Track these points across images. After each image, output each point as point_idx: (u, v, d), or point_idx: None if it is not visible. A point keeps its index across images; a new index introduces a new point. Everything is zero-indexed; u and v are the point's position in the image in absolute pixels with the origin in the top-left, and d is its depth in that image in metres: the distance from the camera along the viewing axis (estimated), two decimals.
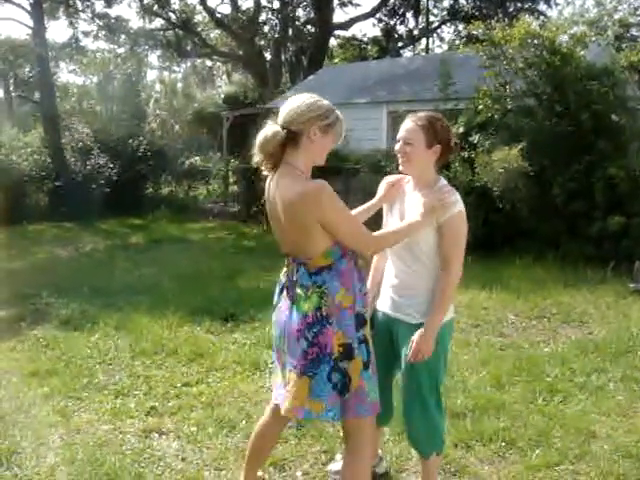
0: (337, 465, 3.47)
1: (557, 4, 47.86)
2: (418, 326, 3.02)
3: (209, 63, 38.06)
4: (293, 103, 2.83)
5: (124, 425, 4.25)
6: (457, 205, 3.02)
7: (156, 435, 4.12)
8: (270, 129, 2.76)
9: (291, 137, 2.76)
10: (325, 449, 3.91)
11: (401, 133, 3.13)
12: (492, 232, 10.14)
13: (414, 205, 3.08)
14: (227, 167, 18.36)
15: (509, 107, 10.46)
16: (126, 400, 4.65)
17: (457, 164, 10.20)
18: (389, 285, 3.23)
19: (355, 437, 2.91)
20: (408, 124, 3.12)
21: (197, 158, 20.10)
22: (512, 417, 4.30)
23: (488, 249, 9.97)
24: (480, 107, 10.50)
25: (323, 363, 2.76)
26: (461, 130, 10.53)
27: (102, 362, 5.45)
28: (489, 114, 10.42)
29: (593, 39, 13.42)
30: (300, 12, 29.19)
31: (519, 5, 27.58)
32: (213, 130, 20.91)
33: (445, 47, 31.14)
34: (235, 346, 5.86)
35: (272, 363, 3.15)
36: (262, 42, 29.07)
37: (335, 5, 28.08)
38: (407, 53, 31.16)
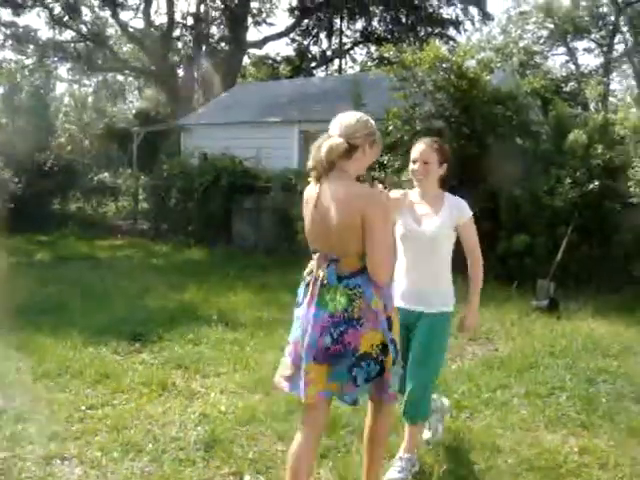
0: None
1: (466, 30, 49.28)
2: (439, 314, 3.76)
3: (121, 77, 37.53)
4: (350, 119, 3.15)
5: (24, 452, 4.06)
6: (468, 209, 3.87)
7: (58, 461, 3.97)
8: (335, 140, 3.06)
9: (348, 149, 3.08)
10: (234, 471, 3.86)
11: (418, 155, 3.83)
12: None
13: (425, 212, 3.83)
14: (137, 184, 18.08)
15: (418, 128, 10.66)
16: (26, 425, 4.45)
17: (367, 184, 10.30)
18: (409, 283, 3.82)
19: (385, 423, 3.40)
20: (423, 147, 3.83)
21: (106, 174, 19.67)
22: None
23: None
24: (390, 128, 10.66)
25: (345, 358, 3.03)
26: None
27: (1, 385, 5.23)
28: (399, 135, 10.58)
29: (499, 65, 13.92)
30: (214, 29, 29.15)
31: (429, 29, 28.29)
32: (123, 146, 20.55)
33: (357, 68, 31.59)
34: (142, 367, 5.74)
35: (285, 356, 3.31)
36: (175, 58, 28.85)
37: (249, 24, 28.19)
38: (320, 73, 31.47)
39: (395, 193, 3.55)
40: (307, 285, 3.20)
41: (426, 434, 4.21)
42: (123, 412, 4.70)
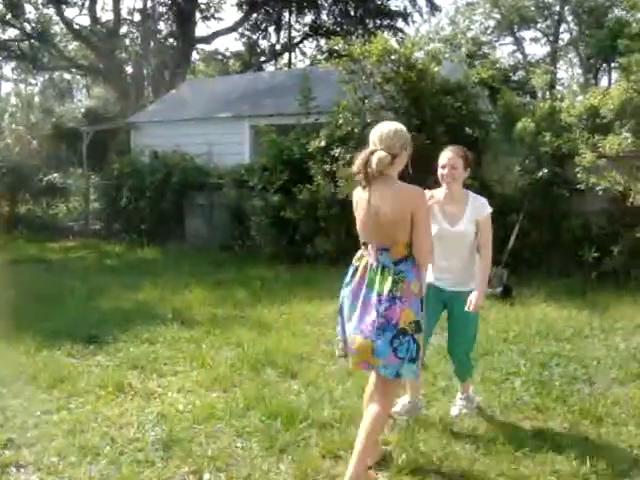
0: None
1: (414, 22, 50.05)
2: (470, 292, 4.37)
3: (68, 76, 36.90)
4: (390, 131, 3.68)
5: None
6: (488, 207, 4.45)
7: (13, 469, 3.88)
8: (381, 154, 3.57)
9: (391, 159, 3.59)
10: (193, 470, 3.83)
11: (446, 161, 4.42)
12: (354, 243, 10.33)
13: (453, 211, 4.43)
14: (87, 183, 17.83)
15: (368, 121, 10.69)
16: None
17: (319, 177, 10.34)
18: (446, 269, 4.44)
19: (391, 390, 3.77)
20: (451, 155, 4.43)
21: (56, 175, 19.33)
22: None
23: (351, 260, 10.14)
24: (340, 121, 10.68)
25: (387, 331, 3.55)
26: (322, 144, 10.66)
27: None
28: (349, 127, 10.60)
29: (447, 56, 14.03)
30: (162, 25, 28.84)
31: (378, 22, 28.37)
32: (73, 145, 20.22)
33: (307, 62, 31.58)
34: (98, 369, 5.67)
35: (338, 327, 3.90)
36: (123, 55, 28.49)
37: (197, 19, 27.95)
38: (270, 68, 31.38)
39: (427, 193, 4.11)
40: (356, 270, 3.78)
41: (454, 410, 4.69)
42: (79, 416, 4.63)
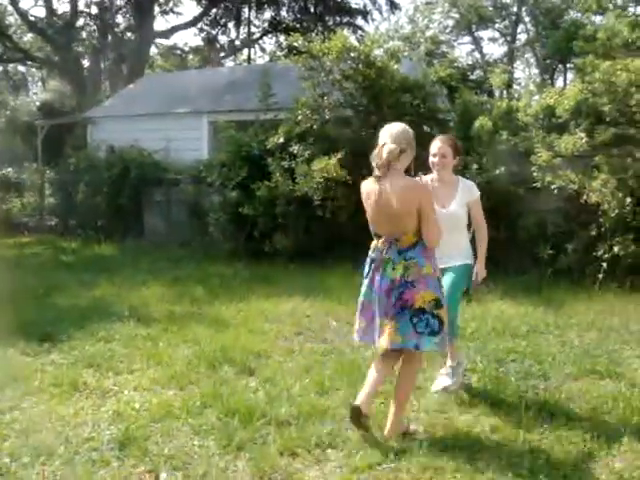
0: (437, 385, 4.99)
1: (374, 20, 50.15)
2: (461, 265, 4.87)
3: (23, 69, 36.28)
4: (398, 129, 4.21)
5: None
6: (476, 190, 4.96)
7: None
8: (391, 146, 4.07)
9: (399, 153, 4.08)
10: (150, 469, 3.78)
11: (436, 150, 4.85)
12: (313, 240, 10.36)
13: (444, 194, 4.83)
14: (43, 178, 17.54)
15: (327, 117, 10.71)
16: None
17: (278, 174, 10.31)
18: (440, 247, 4.37)
19: (414, 360, 4.26)
20: (440, 144, 4.86)
21: (10, 169, 19.01)
22: (336, 421, 4.38)
23: (309, 257, 10.20)
24: (299, 117, 10.67)
25: (405, 312, 4.05)
26: (281, 140, 10.64)
27: None
28: (308, 124, 10.60)
29: (406, 54, 14.11)
30: (120, 19, 28.49)
31: (338, 19, 28.37)
32: (27, 140, 19.92)
33: (266, 58, 31.48)
34: (52, 367, 5.58)
35: (357, 313, 4.37)
36: (80, 48, 28.07)
37: (156, 13, 27.68)
38: (229, 63, 31.20)
39: (425, 178, 4.79)
40: (372, 261, 4.24)
41: (446, 381, 4.92)
42: (33, 415, 4.56)
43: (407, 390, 4.28)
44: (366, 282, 4.28)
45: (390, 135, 4.18)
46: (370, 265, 4.27)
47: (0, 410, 4.65)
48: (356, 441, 4.09)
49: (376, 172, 4.14)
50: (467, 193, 4.91)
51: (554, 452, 3.94)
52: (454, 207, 4.83)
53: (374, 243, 4.28)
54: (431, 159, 4.87)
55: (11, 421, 4.46)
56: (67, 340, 6.33)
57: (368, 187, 4.24)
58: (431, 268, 4.14)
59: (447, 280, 4.71)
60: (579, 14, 25.90)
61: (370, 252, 4.30)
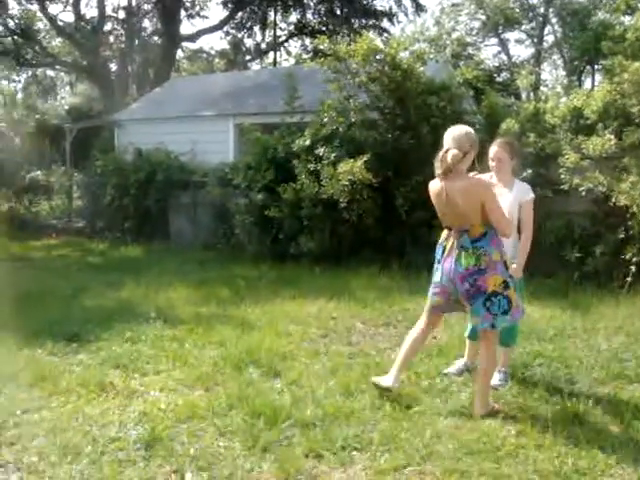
0: (454, 368, 5.46)
1: (399, 22, 49.93)
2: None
3: (51, 73, 36.69)
4: (460, 132, 4.55)
5: None
6: (531, 192, 5.27)
7: None
8: (454, 152, 4.42)
9: (462, 156, 4.45)
10: (175, 469, 3.80)
11: (493, 155, 5.20)
12: (339, 243, 10.38)
13: (501, 193, 5.00)
14: (71, 181, 17.72)
15: (353, 120, 10.71)
16: None
17: (303, 177, 10.32)
18: None
19: (491, 338, 4.65)
20: (496, 148, 5.20)
21: (39, 172, 19.22)
22: (362, 424, 4.37)
23: (335, 260, 10.20)
24: (325, 120, 10.68)
25: (479, 296, 4.48)
26: (307, 143, 10.66)
27: None
28: (334, 127, 10.61)
29: (432, 56, 14.04)
30: (147, 23, 28.74)
31: (364, 21, 28.37)
32: (56, 143, 20.11)
33: (292, 61, 31.55)
34: (80, 368, 5.63)
35: (432, 294, 4.85)
36: (107, 53, 28.32)
37: (182, 17, 27.86)
38: (255, 66, 31.30)
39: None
40: (444, 249, 4.65)
41: (496, 381, 5.12)
42: (60, 415, 4.60)
43: (488, 369, 4.67)
44: (439, 267, 4.71)
45: (453, 139, 4.51)
46: (442, 253, 4.68)
47: (28, 410, 4.69)
48: (381, 443, 4.08)
49: (438, 171, 4.51)
50: (521, 193, 5.21)
51: (581, 458, 3.90)
52: (508, 205, 5.04)
53: (445, 232, 4.71)
54: (490, 163, 5.23)
55: (39, 420, 4.51)
56: (94, 341, 6.37)
57: (435, 187, 4.63)
58: (499, 255, 4.52)
59: None
60: (607, 15, 25.61)
61: (441, 240, 4.72)
